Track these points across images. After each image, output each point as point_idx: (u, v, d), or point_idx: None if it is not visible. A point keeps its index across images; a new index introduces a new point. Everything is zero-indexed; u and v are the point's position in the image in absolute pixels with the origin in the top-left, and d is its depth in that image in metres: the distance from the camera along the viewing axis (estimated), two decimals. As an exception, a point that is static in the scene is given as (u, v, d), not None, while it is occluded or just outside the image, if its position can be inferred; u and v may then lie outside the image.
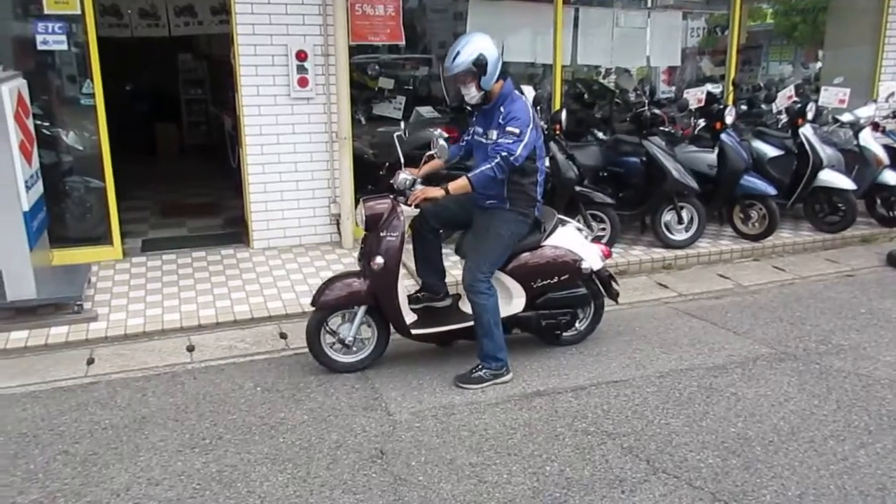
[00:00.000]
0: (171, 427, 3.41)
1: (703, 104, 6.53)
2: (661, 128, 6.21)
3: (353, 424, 3.45)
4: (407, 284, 4.37)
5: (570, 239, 4.13)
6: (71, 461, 3.12)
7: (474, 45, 3.67)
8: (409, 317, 3.95)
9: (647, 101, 6.68)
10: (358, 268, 4.00)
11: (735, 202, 6.35)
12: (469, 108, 3.90)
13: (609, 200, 5.77)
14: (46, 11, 5.20)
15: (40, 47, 5.27)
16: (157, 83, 10.99)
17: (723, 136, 6.14)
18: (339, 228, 6.07)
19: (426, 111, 7.01)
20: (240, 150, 6.11)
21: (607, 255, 4.30)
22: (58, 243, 5.30)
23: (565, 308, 4.17)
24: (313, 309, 3.88)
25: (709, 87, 6.85)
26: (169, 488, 2.93)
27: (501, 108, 3.72)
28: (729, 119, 6.14)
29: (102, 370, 4.04)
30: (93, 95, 5.48)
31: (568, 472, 3.03)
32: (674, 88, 8.39)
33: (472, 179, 3.64)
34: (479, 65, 3.63)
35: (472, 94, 3.73)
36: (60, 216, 5.60)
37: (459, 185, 3.67)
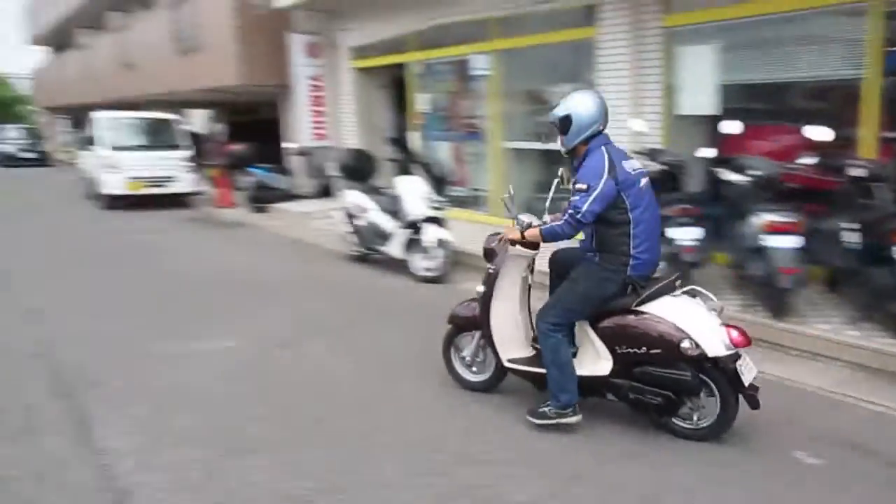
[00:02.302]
0: None
1: None
2: None
3: None
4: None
5: (678, 311, 3.59)
6: None
7: (571, 103, 3.73)
8: (508, 352, 4.07)
9: None
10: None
11: None
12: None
13: None
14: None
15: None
16: None
17: None
18: None
19: None
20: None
21: (739, 345, 3.49)
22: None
23: (660, 388, 3.61)
24: None
25: None
26: None
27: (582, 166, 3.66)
28: None
29: None
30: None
31: None
32: None
33: (543, 231, 3.71)
34: (562, 123, 3.73)
35: (558, 144, 3.83)
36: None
37: (533, 233, 3.78)
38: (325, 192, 12.70)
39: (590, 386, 3.82)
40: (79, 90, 25.45)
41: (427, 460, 3.55)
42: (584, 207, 3.52)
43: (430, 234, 7.14)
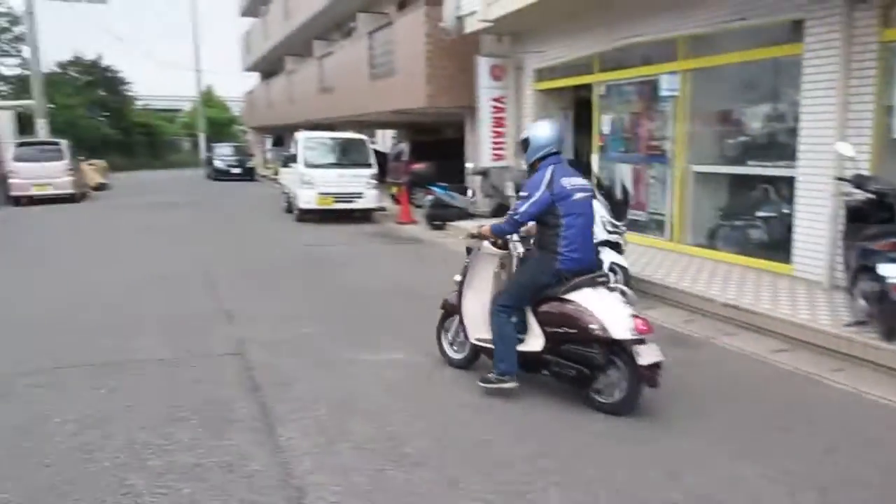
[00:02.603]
0: None
1: None
2: None
3: None
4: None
5: (594, 300, 4.34)
6: None
7: (531, 129, 4.75)
8: (475, 332, 4.89)
9: None
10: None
11: None
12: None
13: None
14: None
15: None
16: None
17: None
18: None
19: None
20: None
21: (641, 332, 4.18)
22: None
23: (576, 363, 4.35)
24: None
25: None
26: None
27: None
28: None
29: None
30: None
31: None
32: None
33: (492, 227, 4.69)
34: (523, 144, 4.73)
35: (522, 160, 4.86)
36: None
37: (486, 229, 4.74)
38: (502, 211, 12.81)
39: (530, 361, 4.60)
40: (282, 112, 27.81)
41: (591, 494, 3.42)
42: (522, 209, 4.45)
43: (605, 258, 6.96)
